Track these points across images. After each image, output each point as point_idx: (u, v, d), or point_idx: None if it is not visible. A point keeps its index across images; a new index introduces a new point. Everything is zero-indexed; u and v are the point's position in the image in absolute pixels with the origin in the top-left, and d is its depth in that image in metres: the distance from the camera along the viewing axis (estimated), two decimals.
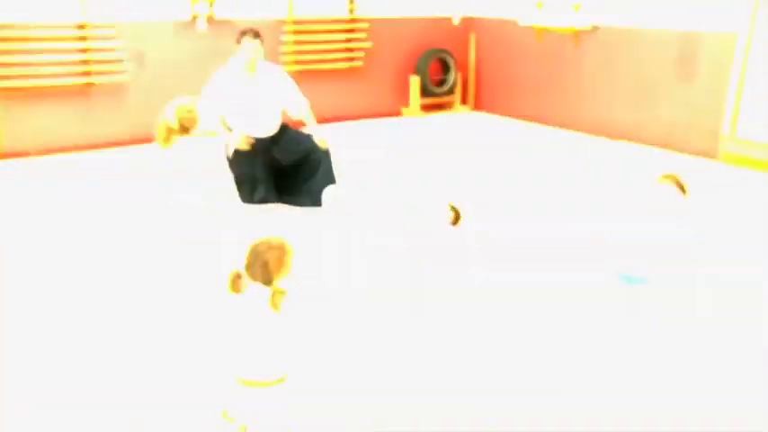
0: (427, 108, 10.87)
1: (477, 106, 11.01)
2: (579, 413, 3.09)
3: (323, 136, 6.43)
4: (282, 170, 6.48)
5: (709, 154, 8.02)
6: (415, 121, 9.87)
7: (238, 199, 6.31)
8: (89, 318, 3.91)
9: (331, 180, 6.47)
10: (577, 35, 9.31)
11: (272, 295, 2.48)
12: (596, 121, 9.10)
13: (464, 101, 11.26)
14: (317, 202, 6.36)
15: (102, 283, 4.43)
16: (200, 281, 4.31)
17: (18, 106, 7.89)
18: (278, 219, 5.96)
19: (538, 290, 4.22)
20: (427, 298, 3.94)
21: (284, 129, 6.59)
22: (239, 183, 6.38)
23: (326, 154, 6.47)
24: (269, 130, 6.37)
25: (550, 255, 4.76)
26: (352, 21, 10.09)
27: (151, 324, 3.84)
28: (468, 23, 10.98)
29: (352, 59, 10.10)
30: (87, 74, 8.30)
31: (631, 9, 8.78)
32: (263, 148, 6.33)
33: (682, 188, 4.03)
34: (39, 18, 7.82)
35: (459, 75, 11.02)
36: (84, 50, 8.24)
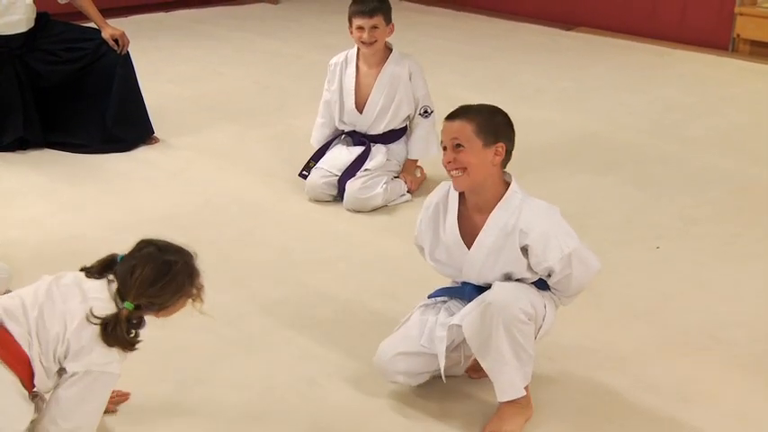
0: None
1: None
2: None
3: (116, 31, 4.44)
4: (49, 91, 4.47)
5: None
6: None
7: None
8: None
9: (134, 104, 4.50)
10: None
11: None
12: None
13: None
14: (110, 140, 4.46)
15: None
16: None
17: None
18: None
19: None
20: None
21: (46, 21, 4.43)
22: None
23: (125, 62, 4.46)
24: (17, 22, 4.29)
25: None
26: None
27: None
28: None
29: None
30: None
31: None
32: (9, 54, 4.32)
33: None
34: None
35: None
36: None
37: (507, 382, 2.29)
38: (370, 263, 3.33)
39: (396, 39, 3.88)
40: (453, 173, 2.31)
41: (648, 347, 2.78)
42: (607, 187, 4.01)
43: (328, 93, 3.88)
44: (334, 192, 3.78)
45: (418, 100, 3.83)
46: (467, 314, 2.32)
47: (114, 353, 2.10)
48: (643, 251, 3.41)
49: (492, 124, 2.30)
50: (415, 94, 3.82)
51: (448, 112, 2.25)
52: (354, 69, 3.81)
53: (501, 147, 2.29)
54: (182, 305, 2.19)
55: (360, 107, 3.81)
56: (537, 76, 5.76)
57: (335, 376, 2.62)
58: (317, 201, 3.81)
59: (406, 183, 3.86)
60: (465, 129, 2.27)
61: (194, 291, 2.20)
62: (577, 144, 4.56)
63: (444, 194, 2.41)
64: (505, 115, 2.35)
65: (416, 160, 3.93)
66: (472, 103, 2.45)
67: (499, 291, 2.27)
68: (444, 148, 2.33)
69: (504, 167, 2.35)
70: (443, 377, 2.40)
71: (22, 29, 4.26)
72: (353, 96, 3.80)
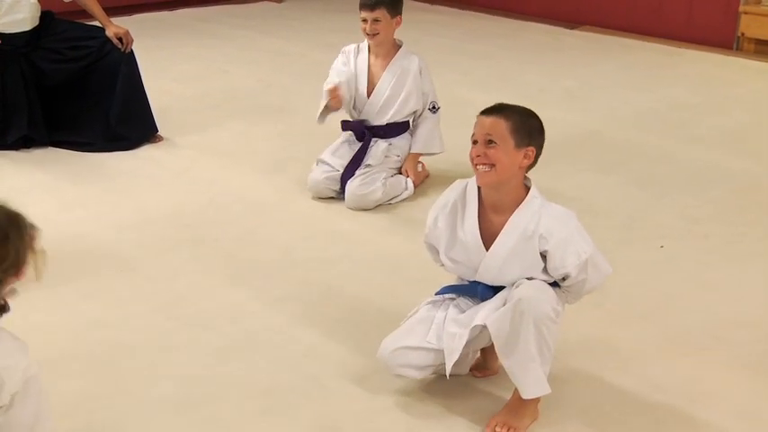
0: None
1: None
2: None
3: (120, 30, 4.43)
4: (53, 89, 4.46)
5: None
6: None
7: None
8: None
9: (138, 102, 4.49)
10: None
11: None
12: None
13: None
14: (114, 138, 4.45)
15: None
16: None
17: None
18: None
19: None
20: None
21: (50, 19, 4.42)
22: None
23: (129, 60, 4.45)
24: (21, 21, 4.29)
25: None
26: None
27: None
28: None
29: None
30: None
31: None
32: (14, 53, 4.30)
33: None
34: None
35: None
36: None
37: (534, 379, 2.28)
38: (372, 261, 3.32)
39: (399, 36, 3.89)
40: (480, 168, 2.29)
41: (652, 347, 2.78)
42: (611, 186, 4.00)
43: (344, 66, 3.84)
44: (337, 186, 3.79)
45: (427, 95, 3.86)
46: (491, 311, 2.31)
47: (19, 361, 1.94)
48: (647, 250, 3.41)
49: (527, 126, 2.28)
50: (424, 89, 3.85)
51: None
52: (366, 56, 3.84)
53: (531, 151, 2.27)
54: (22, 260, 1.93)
55: (368, 94, 3.84)
56: (541, 75, 5.75)
57: (339, 375, 2.61)
58: (320, 198, 3.81)
59: (407, 176, 3.87)
60: (500, 126, 2.26)
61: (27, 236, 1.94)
62: (581, 143, 4.55)
63: (462, 193, 2.40)
64: (540, 121, 2.34)
65: (419, 154, 3.93)
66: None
67: (528, 287, 2.26)
68: (474, 142, 2.31)
69: (527, 172, 2.35)
70: (448, 374, 2.40)
71: (27, 27, 4.25)
72: (366, 82, 3.82)
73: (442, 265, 2.49)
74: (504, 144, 2.25)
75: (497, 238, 2.32)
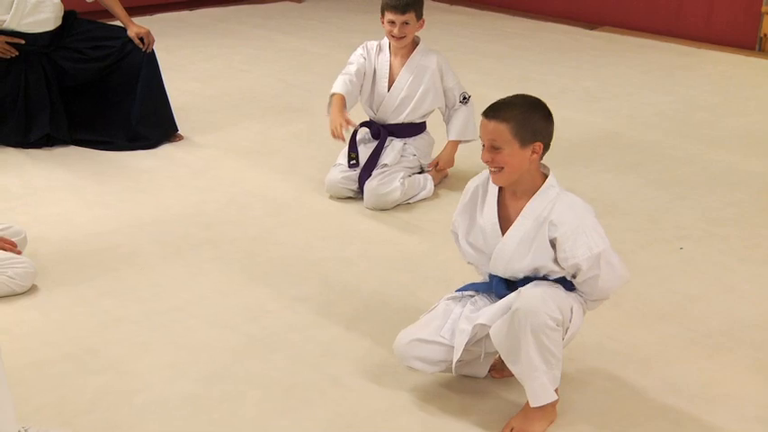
0: None
1: None
2: None
3: (141, 29, 4.45)
4: (75, 89, 4.49)
5: None
6: None
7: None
8: None
9: (158, 102, 4.51)
10: None
11: None
12: None
13: None
14: (135, 137, 4.47)
15: None
16: None
17: None
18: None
19: None
20: None
21: (73, 19, 4.44)
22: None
23: (150, 60, 4.47)
24: (45, 21, 4.32)
25: None
26: None
27: None
28: None
29: None
30: None
31: None
32: (37, 52, 4.34)
33: None
34: None
35: None
36: None
37: (539, 388, 2.28)
38: (390, 260, 3.33)
39: (419, 36, 3.89)
40: (491, 169, 2.32)
41: (671, 349, 2.76)
42: (630, 187, 3.98)
43: (363, 59, 3.84)
44: (354, 186, 3.80)
45: (453, 90, 3.87)
46: (493, 315, 2.32)
47: None
48: (665, 252, 3.39)
49: (529, 123, 2.28)
50: (449, 85, 3.86)
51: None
52: (388, 57, 3.85)
53: (539, 146, 2.29)
54: None
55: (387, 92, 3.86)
56: (560, 75, 5.73)
57: (356, 373, 2.62)
58: (339, 197, 3.82)
59: (435, 167, 3.91)
60: (502, 131, 2.26)
61: None
62: (600, 143, 4.53)
63: (485, 179, 2.42)
64: (544, 109, 2.33)
65: (456, 144, 3.94)
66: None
67: (527, 296, 2.26)
68: (483, 145, 2.33)
69: (542, 159, 2.35)
70: (453, 369, 2.41)
71: (50, 27, 4.28)
72: (387, 83, 3.83)
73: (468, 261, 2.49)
74: (509, 147, 2.26)
75: (513, 224, 2.33)
